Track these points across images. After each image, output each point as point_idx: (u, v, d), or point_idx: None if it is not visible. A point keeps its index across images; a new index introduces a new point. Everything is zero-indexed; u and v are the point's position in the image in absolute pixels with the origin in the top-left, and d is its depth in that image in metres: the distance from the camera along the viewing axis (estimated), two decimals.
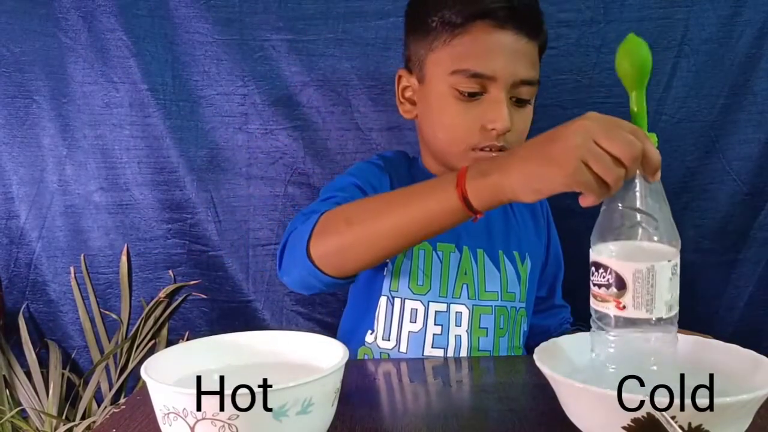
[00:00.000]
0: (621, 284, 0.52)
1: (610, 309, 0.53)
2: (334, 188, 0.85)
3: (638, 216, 0.53)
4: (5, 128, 1.13)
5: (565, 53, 1.11)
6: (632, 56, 0.56)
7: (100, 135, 1.14)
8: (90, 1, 1.10)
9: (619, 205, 0.53)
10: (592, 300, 0.54)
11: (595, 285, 0.54)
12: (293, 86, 1.13)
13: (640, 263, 0.51)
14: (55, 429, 1.09)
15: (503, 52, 0.81)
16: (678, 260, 0.52)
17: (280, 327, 1.16)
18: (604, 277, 0.52)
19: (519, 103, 0.84)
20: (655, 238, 0.52)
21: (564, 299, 1.05)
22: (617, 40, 1.15)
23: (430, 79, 0.86)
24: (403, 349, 0.88)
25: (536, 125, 1.12)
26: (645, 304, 0.51)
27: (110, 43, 1.11)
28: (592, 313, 0.55)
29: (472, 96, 0.82)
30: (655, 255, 0.52)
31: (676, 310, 0.53)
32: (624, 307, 0.52)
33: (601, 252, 0.53)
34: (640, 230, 0.52)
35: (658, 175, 0.53)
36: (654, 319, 0.52)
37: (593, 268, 0.54)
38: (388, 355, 0.89)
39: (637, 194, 0.53)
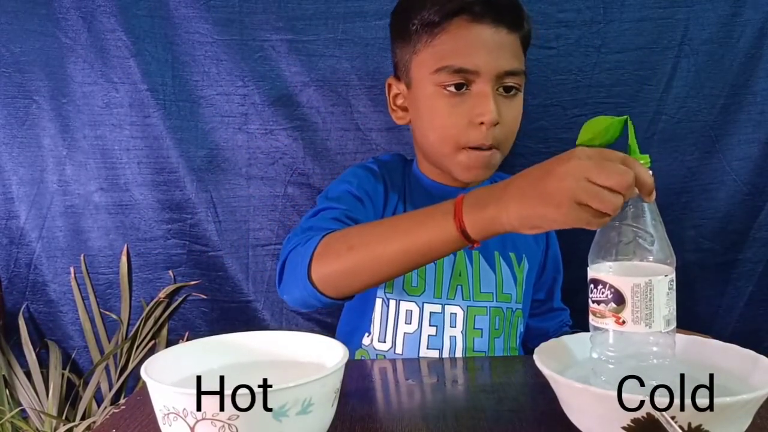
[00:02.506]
0: (620, 299, 0.52)
1: (609, 324, 0.53)
2: (330, 198, 0.86)
3: (635, 234, 0.54)
4: (5, 128, 1.13)
5: (565, 53, 1.11)
6: (599, 138, 0.57)
7: (100, 135, 1.14)
8: (90, 2, 1.10)
9: (617, 223, 0.55)
10: (591, 317, 0.55)
11: (593, 302, 0.55)
12: (293, 86, 1.13)
13: (638, 278, 0.52)
14: (55, 429, 1.09)
15: (484, 45, 0.82)
16: (674, 277, 0.54)
17: (280, 327, 1.16)
18: (602, 293, 0.53)
19: (507, 93, 0.85)
20: (652, 256, 0.53)
21: (563, 302, 1.05)
22: (617, 40, 1.16)
23: (416, 82, 0.87)
24: (398, 350, 0.88)
25: (536, 124, 1.13)
26: (644, 318, 0.52)
27: (110, 43, 1.11)
28: (591, 330, 0.56)
29: (459, 90, 0.83)
30: (652, 270, 0.53)
31: (673, 325, 0.54)
32: (623, 322, 0.52)
33: (599, 269, 0.54)
34: (637, 248, 0.54)
35: (653, 195, 0.54)
36: (653, 333, 0.52)
37: (591, 285, 0.55)
38: (384, 357, 0.89)
39: (634, 213, 0.54)
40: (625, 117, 0.56)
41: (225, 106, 1.13)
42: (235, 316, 1.17)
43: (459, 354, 0.88)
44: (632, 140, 0.56)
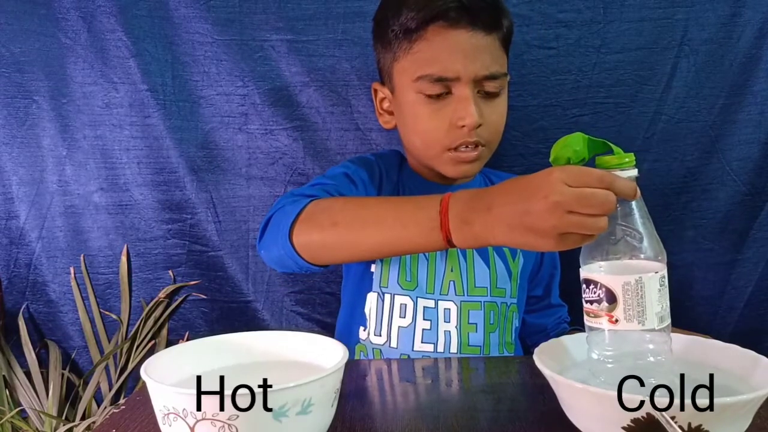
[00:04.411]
0: (611, 298, 0.53)
1: (603, 324, 0.54)
2: (326, 176, 0.88)
3: (624, 232, 0.54)
4: (5, 128, 1.13)
5: (564, 53, 1.11)
6: (563, 157, 0.58)
7: (100, 135, 1.14)
8: (90, 2, 1.10)
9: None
10: (585, 317, 0.56)
11: (587, 302, 0.55)
12: (293, 86, 1.13)
13: (628, 276, 0.52)
14: (55, 429, 1.09)
15: (461, 51, 0.83)
16: (665, 273, 0.54)
17: (280, 327, 1.16)
18: (594, 293, 0.54)
19: (488, 96, 0.86)
20: (642, 254, 0.54)
21: (561, 299, 1.05)
22: (617, 40, 1.17)
23: (399, 88, 0.89)
24: (393, 344, 0.89)
25: (536, 124, 1.13)
26: (636, 316, 0.52)
27: (110, 43, 1.11)
28: (587, 330, 0.57)
29: (439, 97, 0.84)
30: (642, 268, 0.53)
31: (667, 321, 0.54)
32: (616, 320, 0.53)
33: (590, 269, 0.55)
34: (626, 246, 0.54)
35: (638, 194, 0.54)
36: (647, 330, 0.53)
37: (584, 286, 0.55)
38: (380, 351, 0.89)
39: (622, 212, 0.55)
40: (580, 134, 0.58)
41: (225, 106, 1.13)
42: (235, 316, 1.17)
43: (454, 348, 0.88)
44: (615, 148, 0.57)
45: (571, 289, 1.02)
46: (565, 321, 1.03)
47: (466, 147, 0.85)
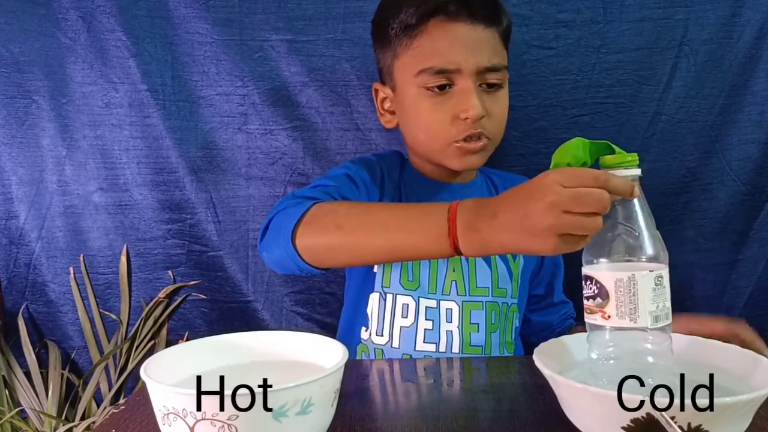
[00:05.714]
0: (604, 294, 0.53)
1: (597, 320, 0.55)
2: (327, 177, 0.88)
3: (624, 231, 0.55)
4: (5, 128, 1.13)
5: (564, 53, 1.11)
6: (563, 161, 0.59)
7: (99, 135, 1.14)
8: (89, 2, 1.10)
9: (607, 222, 0.56)
10: (585, 315, 0.57)
11: (585, 298, 0.56)
12: (293, 86, 1.13)
13: (621, 273, 0.53)
14: (55, 429, 1.09)
15: (462, 43, 0.83)
16: (664, 273, 0.54)
17: (279, 327, 1.16)
18: (590, 289, 0.55)
19: (490, 89, 0.86)
20: (642, 253, 0.54)
21: (566, 296, 1.05)
22: (617, 41, 1.17)
23: (400, 85, 0.89)
24: (395, 344, 0.89)
25: (536, 124, 1.13)
26: (628, 313, 0.53)
27: (110, 43, 1.11)
28: (587, 328, 0.57)
29: (441, 90, 0.84)
30: (637, 266, 0.54)
31: (665, 322, 0.54)
32: (609, 316, 0.54)
33: (590, 267, 0.56)
34: (626, 245, 0.55)
35: (636, 192, 0.55)
36: (639, 328, 0.53)
37: (583, 282, 0.56)
38: (382, 351, 0.90)
39: (623, 211, 0.55)
40: (579, 138, 0.59)
41: (224, 106, 1.13)
42: (234, 316, 1.17)
43: (456, 348, 0.88)
44: (616, 149, 0.57)
45: (574, 286, 1.03)
46: (570, 317, 1.03)
47: (472, 138, 0.85)
